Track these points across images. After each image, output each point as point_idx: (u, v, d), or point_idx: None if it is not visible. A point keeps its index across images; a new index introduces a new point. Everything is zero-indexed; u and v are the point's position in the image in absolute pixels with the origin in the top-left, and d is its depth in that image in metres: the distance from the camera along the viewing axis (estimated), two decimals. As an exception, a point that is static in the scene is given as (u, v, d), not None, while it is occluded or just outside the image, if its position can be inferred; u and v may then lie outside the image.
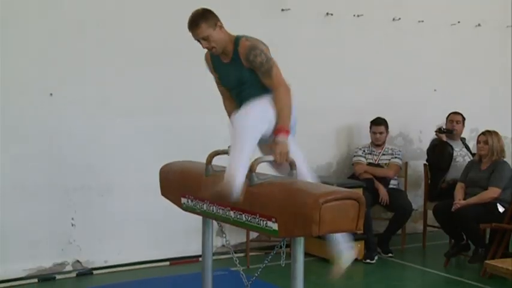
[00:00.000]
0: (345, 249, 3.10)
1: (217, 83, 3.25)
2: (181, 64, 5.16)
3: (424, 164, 6.07)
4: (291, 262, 2.68)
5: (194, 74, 5.19)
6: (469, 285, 4.86)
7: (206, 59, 3.23)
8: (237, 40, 3.02)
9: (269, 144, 2.93)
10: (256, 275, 3.03)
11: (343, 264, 3.09)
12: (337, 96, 6.00)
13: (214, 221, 3.23)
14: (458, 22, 6.65)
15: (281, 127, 2.88)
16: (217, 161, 3.14)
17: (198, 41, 3.02)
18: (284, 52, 5.61)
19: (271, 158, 2.85)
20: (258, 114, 2.90)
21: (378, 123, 5.87)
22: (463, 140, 6.13)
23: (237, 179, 2.72)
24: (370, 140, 5.96)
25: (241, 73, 3.04)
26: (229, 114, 3.18)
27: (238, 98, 3.12)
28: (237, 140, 2.84)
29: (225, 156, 3.07)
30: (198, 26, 2.97)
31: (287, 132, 2.88)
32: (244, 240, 5.42)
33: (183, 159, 3.54)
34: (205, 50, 3.13)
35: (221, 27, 3.01)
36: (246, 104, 3.00)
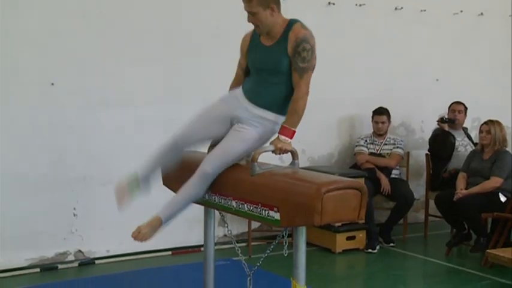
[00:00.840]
0: None
1: (240, 66, 3.15)
2: (183, 55, 5.14)
3: (426, 154, 6.07)
4: (293, 252, 2.69)
5: (196, 64, 5.21)
6: (470, 274, 4.86)
7: (244, 42, 3.11)
8: (290, 23, 2.95)
9: (271, 141, 2.91)
10: (258, 264, 3.03)
11: None
12: (338, 86, 5.98)
13: (216, 210, 3.23)
14: (461, 11, 6.61)
15: (287, 128, 2.86)
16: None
17: (248, 12, 2.92)
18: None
19: (271, 147, 2.86)
20: (227, 160, 2.93)
21: (380, 112, 5.85)
22: (465, 129, 6.11)
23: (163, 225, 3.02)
24: (372, 130, 5.95)
25: (280, 59, 2.92)
26: (230, 89, 3.15)
27: (258, 86, 3.00)
28: (190, 182, 2.97)
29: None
30: (250, 0, 2.90)
31: (292, 133, 2.87)
32: (246, 230, 5.42)
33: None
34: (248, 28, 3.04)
35: (273, 10, 2.92)
36: (258, 95, 2.95)
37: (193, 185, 2.97)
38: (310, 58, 2.92)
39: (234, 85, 3.18)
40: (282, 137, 2.85)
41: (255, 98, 2.99)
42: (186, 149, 3.17)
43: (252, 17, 2.92)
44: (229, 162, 2.96)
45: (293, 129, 2.87)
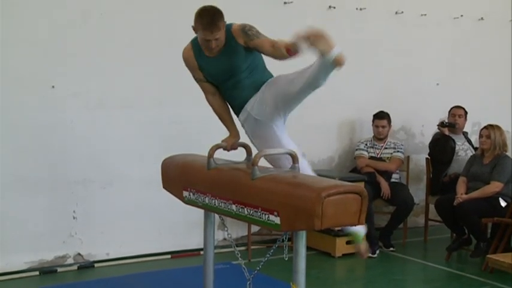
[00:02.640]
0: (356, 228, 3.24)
1: (199, 80, 3.21)
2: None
3: (426, 158, 6.07)
4: (292, 256, 2.68)
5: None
6: (470, 279, 4.85)
7: (188, 58, 3.14)
8: (227, 28, 3.00)
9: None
10: (258, 268, 3.02)
11: (362, 241, 3.39)
12: (339, 90, 5.96)
13: (215, 214, 3.23)
14: (461, 16, 6.62)
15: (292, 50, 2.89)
16: (219, 154, 3.13)
17: (209, 40, 2.95)
18: (286, 45, 5.64)
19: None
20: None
21: (381, 117, 5.85)
22: (465, 134, 6.11)
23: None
24: (372, 134, 5.95)
25: (234, 60, 3.01)
26: (218, 109, 3.20)
27: (229, 92, 3.11)
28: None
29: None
30: (218, 27, 2.93)
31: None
32: (246, 233, 5.41)
33: (185, 152, 3.54)
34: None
35: (224, 25, 2.98)
36: (237, 98, 3.08)
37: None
38: (256, 32, 2.99)
39: (210, 98, 3.22)
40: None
41: (241, 102, 3.10)
42: None
43: (216, 41, 2.96)
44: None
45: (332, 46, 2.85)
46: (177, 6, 5.06)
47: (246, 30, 2.99)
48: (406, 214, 5.69)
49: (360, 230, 3.34)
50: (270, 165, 3.09)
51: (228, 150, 3.17)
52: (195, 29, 3.01)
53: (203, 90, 3.25)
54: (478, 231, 5.13)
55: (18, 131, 4.72)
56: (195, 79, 3.24)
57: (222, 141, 3.20)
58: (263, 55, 3.09)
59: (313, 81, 2.89)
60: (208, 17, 2.92)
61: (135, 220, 5.17)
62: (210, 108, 3.29)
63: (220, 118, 3.24)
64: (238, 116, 3.20)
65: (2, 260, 4.67)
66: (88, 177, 4.99)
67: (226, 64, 3.05)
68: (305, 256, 2.65)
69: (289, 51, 2.82)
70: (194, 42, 3.13)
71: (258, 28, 3.07)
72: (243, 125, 3.21)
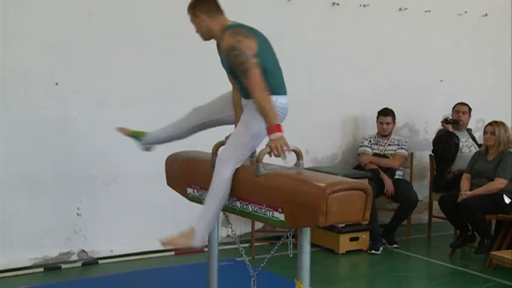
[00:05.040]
0: None
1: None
2: (187, 53, 5.14)
3: (430, 155, 6.06)
4: (296, 252, 2.68)
5: (199, 63, 5.20)
6: (474, 276, 4.85)
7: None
8: (224, 31, 3.02)
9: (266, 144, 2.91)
10: (263, 265, 3.03)
11: None
12: (343, 87, 5.98)
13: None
14: (465, 12, 6.60)
15: (270, 127, 2.84)
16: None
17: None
18: (290, 42, 5.64)
19: (268, 149, 2.83)
20: (238, 153, 2.96)
21: (385, 113, 5.84)
22: (469, 130, 6.10)
23: (198, 237, 2.97)
24: (376, 131, 5.94)
25: (221, 58, 3.10)
26: (236, 104, 3.18)
27: (238, 85, 3.11)
28: (213, 188, 2.95)
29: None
30: (188, 10, 3.13)
31: (277, 127, 2.83)
32: (249, 230, 5.42)
33: (189, 149, 3.54)
34: None
35: (199, 16, 3.06)
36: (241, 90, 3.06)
37: (217, 189, 2.96)
38: (244, 59, 2.90)
39: (234, 93, 3.22)
40: (271, 136, 2.82)
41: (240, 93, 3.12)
42: (195, 122, 3.30)
43: (194, 27, 3.13)
44: (243, 154, 2.98)
45: (274, 123, 2.83)
46: (181, 5, 5.05)
47: (231, 59, 2.95)
48: (410, 211, 5.69)
49: None
50: (273, 162, 3.08)
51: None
52: None
53: (232, 84, 3.25)
54: (482, 228, 5.12)
55: (22, 128, 4.73)
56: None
57: (226, 137, 3.20)
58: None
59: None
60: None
61: (139, 217, 5.18)
62: None
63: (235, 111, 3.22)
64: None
65: (6, 257, 4.68)
66: (92, 174, 4.99)
67: (223, 60, 3.10)
68: (310, 253, 2.65)
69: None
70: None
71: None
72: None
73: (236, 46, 2.91)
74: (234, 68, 2.96)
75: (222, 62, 3.15)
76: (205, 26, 3.08)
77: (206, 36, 3.13)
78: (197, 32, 3.15)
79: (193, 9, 3.11)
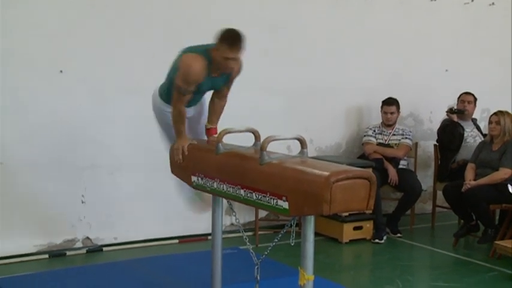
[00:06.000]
0: None
1: (188, 93, 3.31)
2: (190, 42, 5.12)
3: (434, 145, 6.04)
4: (300, 241, 2.68)
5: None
6: (478, 265, 4.85)
7: (200, 73, 3.27)
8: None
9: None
10: (266, 253, 3.03)
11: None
12: (347, 76, 5.96)
13: (223, 199, 3.23)
14: (472, 1, 6.56)
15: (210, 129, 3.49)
16: (228, 139, 3.13)
17: (233, 58, 3.21)
18: (295, 32, 5.62)
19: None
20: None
21: (390, 103, 5.82)
22: (474, 120, 6.08)
23: None
24: (380, 120, 5.93)
25: (219, 83, 3.39)
26: (183, 117, 3.37)
27: (195, 97, 3.43)
28: None
29: (236, 134, 3.07)
30: (243, 50, 3.22)
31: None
32: (253, 219, 5.43)
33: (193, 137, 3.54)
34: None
35: None
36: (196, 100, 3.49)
37: None
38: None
39: (183, 108, 3.38)
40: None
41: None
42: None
43: (235, 62, 3.28)
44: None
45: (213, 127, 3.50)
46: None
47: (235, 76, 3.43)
48: (414, 200, 5.69)
49: None
50: (278, 152, 3.08)
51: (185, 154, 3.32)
52: (219, 46, 3.19)
53: (181, 100, 3.34)
54: (486, 217, 5.12)
55: (27, 116, 4.74)
56: (185, 92, 3.31)
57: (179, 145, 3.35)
58: None
59: None
60: (239, 38, 3.18)
61: (143, 205, 5.19)
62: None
63: (181, 124, 3.36)
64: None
65: (11, 243, 4.71)
66: (96, 162, 5.00)
67: (218, 82, 3.38)
68: (313, 241, 2.65)
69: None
70: (208, 58, 3.25)
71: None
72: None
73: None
74: (230, 80, 3.41)
75: (205, 86, 3.36)
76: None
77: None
78: (233, 65, 3.29)
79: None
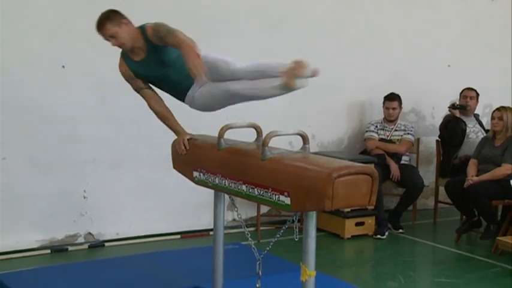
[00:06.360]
0: None
1: (141, 88, 3.33)
2: (194, 36, 5.11)
3: (437, 140, 6.04)
4: (302, 237, 2.68)
5: (206, 47, 5.17)
6: (480, 261, 4.85)
7: (125, 71, 3.32)
8: (142, 28, 3.19)
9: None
10: (268, 248, 3.03)
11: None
12: (349, 72, 5.95)
13: (225, 194, 3.23)
14: (474, -4, 6.55)
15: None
16: (229, 134, 3.12)
17: (107, 39, 3.22)
18: (297, 26, 5.60)
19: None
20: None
21: (392, 98, 5.82)
22: (476, 116, 6.07)
23: None
24: (382, 116, 5.92)
25: (161, 56, 3.20)
26: (166, 112, 3.35)
27: (169, 84, 3.27)
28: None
29: (238, 130, 3.06)
30: (103, 26, 3.22)
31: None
32: (255, 214, 5.43)
33: (195, 132, 3.53)
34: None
35: (127, 24, 3.21)
36: (179, 87, 3.25)
37: None
38: (169, 28, 3.12)
39: (154, 104, 3.39)
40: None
41: (183, 88, 3.28)
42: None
43: (114, 39, 3.21)
44: None
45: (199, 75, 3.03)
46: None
47: (158, 31, 3.16)
48: (416, 196, 5.69)
49: None
50: (280, 147, 3.07)
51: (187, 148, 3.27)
52: None
53: (146, 98, 3.36)
54: (488, 213, 5.12)
55: (28, 111, 4.74)
56: (137, 89, 3.35)
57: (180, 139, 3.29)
58: None
59: (260, 94, 3.12)
60: (97, 20, 3.21)
61: (144, 200, 5.20)
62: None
63: (168, 120, 3.37)
64: (184, 101, 3.36)
65: (13, 238, 4.72)
66: (98, 157, 5.01)
67: (156, 60, 3.22)
68: (315, 237, 2.65)
69: (192, 73, 3.02)
70: (123, 53, 3.32)
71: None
72: (190, 105, 3.38)
73: (159, 23, 3.17)
74: (163, 36, 3.09)
75: (146, 73, 3.24)
76: (130, 33, 3.19)
77: (130, 43, 3.21)
78: (121, 42, 3.20)
79: (119, 18, 3.19)
